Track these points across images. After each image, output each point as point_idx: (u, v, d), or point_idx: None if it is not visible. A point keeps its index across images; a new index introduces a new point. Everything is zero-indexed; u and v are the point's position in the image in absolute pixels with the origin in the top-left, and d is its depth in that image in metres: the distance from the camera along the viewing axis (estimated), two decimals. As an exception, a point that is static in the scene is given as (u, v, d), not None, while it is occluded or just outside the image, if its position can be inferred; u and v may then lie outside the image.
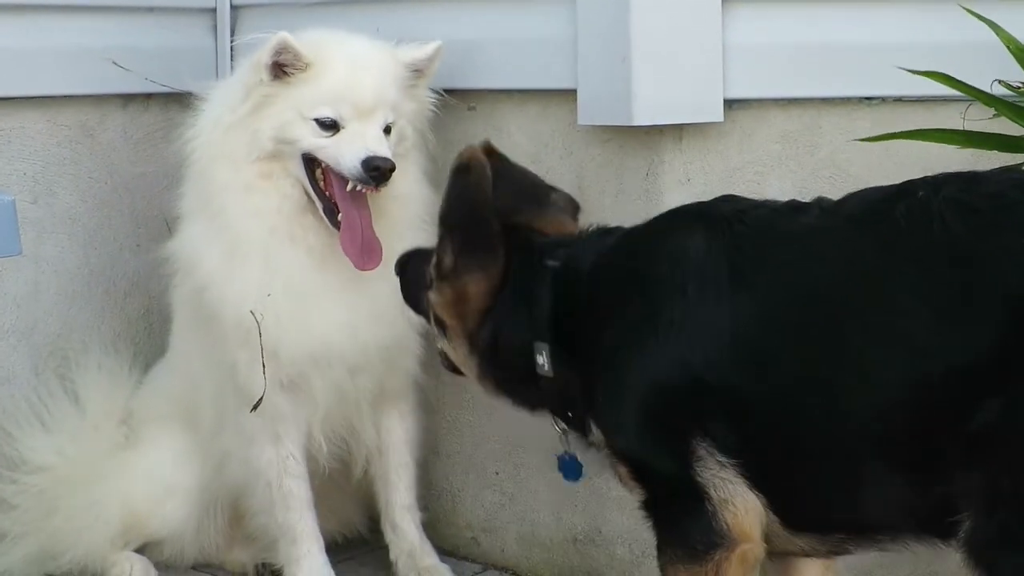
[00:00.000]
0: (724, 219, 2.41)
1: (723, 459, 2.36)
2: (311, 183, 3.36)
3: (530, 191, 2.81)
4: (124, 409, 3.82)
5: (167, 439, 3.69)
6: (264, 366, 3.32)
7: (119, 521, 3.65)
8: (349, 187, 3.29)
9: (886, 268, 2.23)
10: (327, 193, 3.34)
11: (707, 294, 2.35)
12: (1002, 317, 2.11)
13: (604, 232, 2.67)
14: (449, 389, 3.78)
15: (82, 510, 3.64)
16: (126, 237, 3.99)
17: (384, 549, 3.66)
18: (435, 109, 3.56)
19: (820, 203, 2.41)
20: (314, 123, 3.32)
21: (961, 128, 3.05)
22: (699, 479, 2.37)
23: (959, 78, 3.01)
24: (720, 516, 2.37)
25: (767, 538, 2.41)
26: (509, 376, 2.71)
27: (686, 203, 2.60)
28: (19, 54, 3.76)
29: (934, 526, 2.23)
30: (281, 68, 3.33)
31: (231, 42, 3.91)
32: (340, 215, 3.31)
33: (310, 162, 3.35)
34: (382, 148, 3.28)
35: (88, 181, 3.93)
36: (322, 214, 3.35)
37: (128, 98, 3.96)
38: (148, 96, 3.93)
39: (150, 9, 3.97)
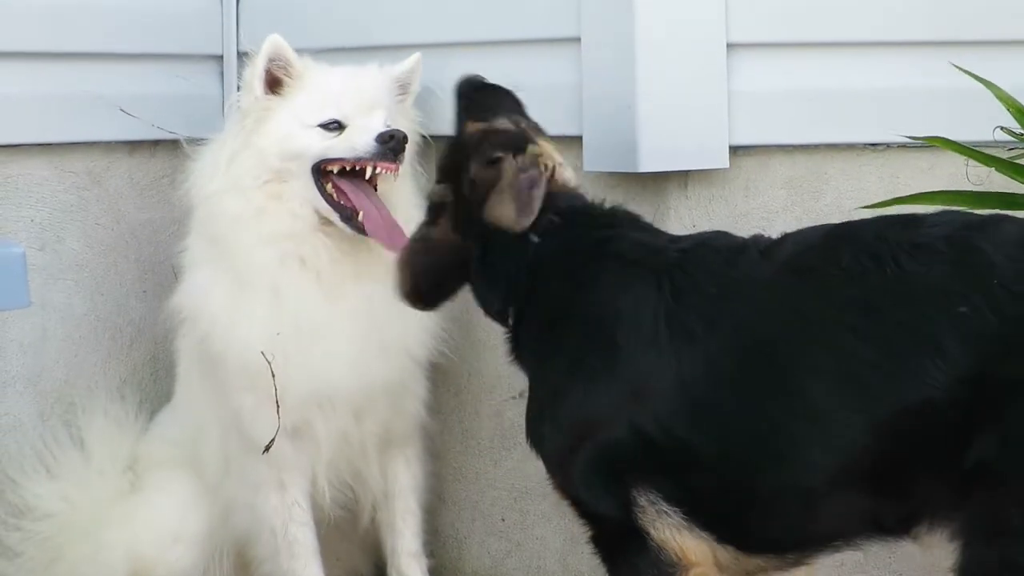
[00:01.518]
0: (664, 270, 2.43)
1: (666, 507, 2.38)
2: (324, 196, 3.38)
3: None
4: (130, 455, 3.81)
5: (172, 486, 3.68)
6: (278, 404, 3.32)
7: (124, 568, 3.64)
8: (367, 174, 3.33)
9: (833, 314, 2.26)
10: (341, 202, 3.36)
11: (650, 352, 2.37)
12: (963, 354, 2.14)
13: (585, 227, 2.65)
14: (455, 435, 3.79)
15: (87, 557, 3.64)
16: (132, 283, 3.99)
17: (390, 597, 3.65)
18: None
19: (756, 243, 2.44)
20: (319, 129, 3.38)
21: (968, 176, 3.07)
22: (640, 522, 2.39)
23: (962, 123, 3.04)
24: (665, 552, 2.39)
25: (722, 565, 2.43)
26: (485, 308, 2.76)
27: (630, 237, 2.60)
28: (26, 101, 3.77)
29: (890, 530, 2.31)
30: (275, 80, 3.38)
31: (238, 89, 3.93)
32: (360, 214, 3.33)
33: (320, 176, 3.37)
34: (384, 124, 3.33)
35: (95, 228, 3.94)
36: (340, 223, 3.37)
37: (135, 145, 3.97)
38: (155, 143, 3.94)
39: (157, 56, 3.98)
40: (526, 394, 2.64)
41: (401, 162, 3.34)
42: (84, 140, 3.90)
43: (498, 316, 2.69)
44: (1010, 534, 2.10)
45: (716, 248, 2.45)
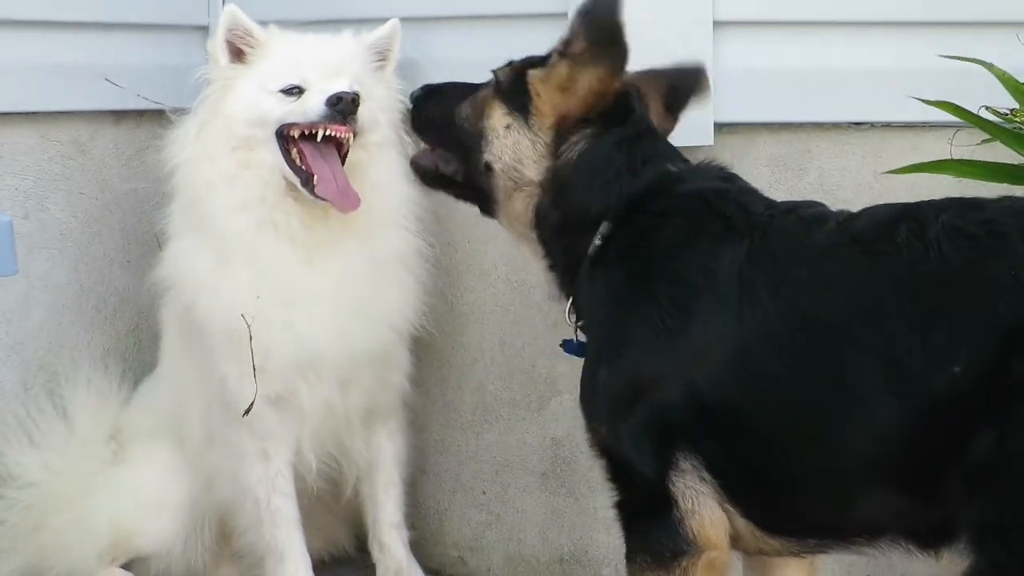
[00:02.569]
0: (750, 226, 2.43)
1: (705, 475, 2.38)
2: (287, 162, 3.39)
3: (680, 89, 2.83)
4: (113, 425, 3.82)
5: (156, 455, 3.70)
6: (255, 369, 3.33)
7: (107, 537, 3.66)
8: (319, 136, 3.33)
9: (883, 294, 2.25)
10: (302, 167, 3.37)
11: (724, 308, 2.36)
12: (991, 347, 2.13)
13: (711, 179, 2.63)
14: (437, 409, 3.82)
15: (70, 526, 3.65)
16: (116, 253, 4.00)
17: (371, 568, 3.68)
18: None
19: (838, 216, 2.43)
20: (280, 94, 3.39)
21: (952, 155, 3.09)
22: (672, 488, 2.40)
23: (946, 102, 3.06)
24: (686, 524, 2.40)
25: (740, 538, 2.44)
26: (553, 209, 2.65)
27: (735, 196, 2.57)
28: (11, 69, 3.76)
29: (917, 538, 2.27)
30: (238, 50, 3.41)
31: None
32: (315, 179, 3.34)
33: (284, 141, 3.39)
34: (346, 88, 3.32)
35: (79, 197, 3.94)
36: (301, 188, 3.38)
37: (120, 114, 3.98)
38: (140, 113, 3.94)
39: (143, 26, 3.99)
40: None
41: (353, 124, 3.34)
42: (69, 109, 3.90)
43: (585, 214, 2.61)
44: (1002, 538, 2.10)
45: (801, 216, 2.44)
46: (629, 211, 2.56)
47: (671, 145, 2.71)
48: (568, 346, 2.70)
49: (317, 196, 3.34)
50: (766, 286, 2.34)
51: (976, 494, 2.12)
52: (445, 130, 2.81)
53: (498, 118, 2.70)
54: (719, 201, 2.51)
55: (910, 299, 2.22)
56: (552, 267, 2.67)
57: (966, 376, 2.14)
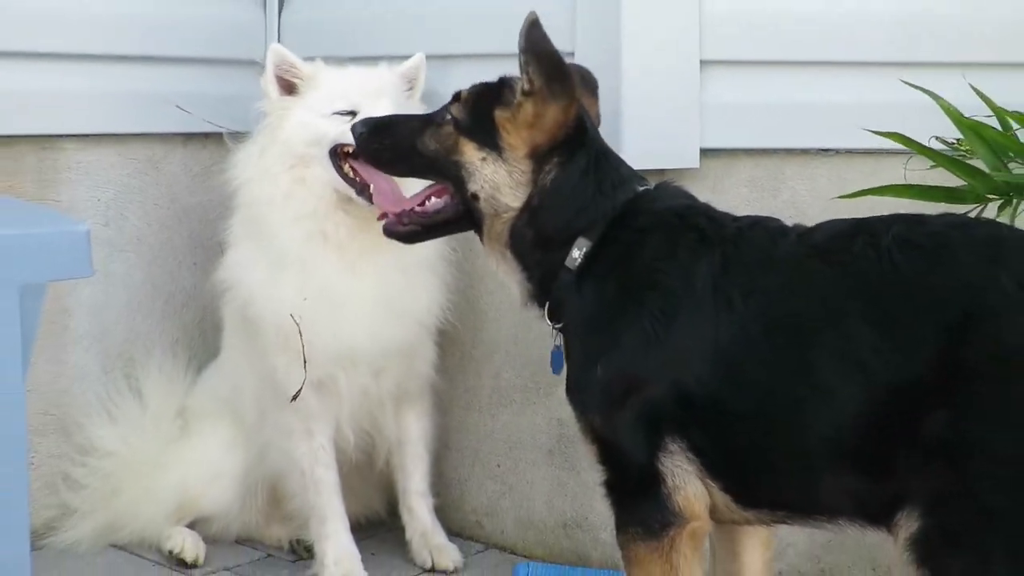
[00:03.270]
0: (723, 242, 2.37)
1: (690, 456, 2.34)
2: (341, 175, 3.34)
3: (588, 80, 2.75)
4: (180, 405, 3.81)
5: (216, 431, 3.68)
6: (305, 360, 3.30)
7: (174, 500, 3.64)
8: None
9: (843, 297, 2.21)
10: (356, 179, 3.32)
11: (703, 312, 2.31)
12: (936, 339, 2.08)
13: (675, 198, 2.56)
14: (459, 393, 3.78)
15: (142, 490, 3.65)
16: (184, 256, 3.99)
17: (401, 530, 3.65)
18: None
19: (796, 229, 2.39)
20: (334, 116, 3.34)
21: (907, 179, 3.04)
22: (661, 468, 2.35)
23: (904, 134, 3.01)
24: (673, 499, 2.35)
25: (717, 509, 2.40)
26: (538, 233, 2.55)
27: (703, 214, 2.51)
28: (96, 97, 3.76)
29: (871, 516, 2.22)
30: (288, 83, 3.39)
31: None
32: (371, 188, 3.27)
33: (337, 159, 3.34)
34: (392, 111, 3.29)
35: (153, 207, 3.93)
36: (356, 197, 3.31)
37: (189, 137, 3.96)
38: (206, 135, 3.92)
39: (208, 60, 3.96)
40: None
41: None
42: (145, 132, 3.88)
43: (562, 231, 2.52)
44: (952, 504, 2.04)
45: (766, 228, 2.40)
46: (611, 229, 2.49)
47: (628, 166, 2.63)
48: (557, 363, 2.62)
49: (374, 204, 3.27)
50: (739, 292, 2.30)
51: (929, 466, 2.07)
52: (410, 161, 2.70)
53: (471, 153, 2.58)
54: (692, 217, 2.47)
55: (866, 302, 2.18)
56: (529, 279, 2.59)
57: (918, 366, 2.10)
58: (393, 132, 2.74)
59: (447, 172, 2.62)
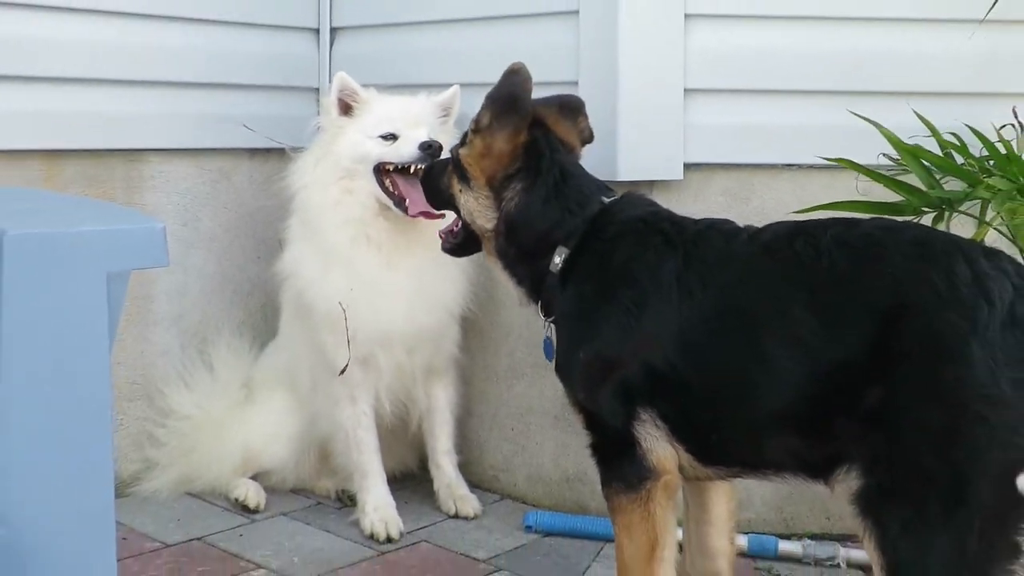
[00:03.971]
0: (683, 241, 2.38)
1: (659, 423, 2.34)
2: (382, 189, 3.36)
3: (569, 106, 2.71)
4: (245, 376, 3.81)
5: (275, 399, 3.68)
6: (349, 342, 3.32)
7: (240, 456, 3.65)
8: (412, 171, 3.30)
9: (787, 289, 2.20)
10: (395, 193, 3.34)
11: (669, 302, 2.31)
12: (871, 325, 2.07)
13: (640, 207, 2.55)
14: (479, 368, 3.77)
15: (214, 448, 3.65)
16: (250, 252, 3.99)
17: (429, 482, 3.66)
18: None
19: (747, 230, 2.38)
20: (378, 139, 3.35)
21: (859, 189, 3.04)
22: (635, 433, 2.35)
23: (857, 150, 3.01)
24: (647, 459, 2.36)
25: (683, 467, 2.40)
26: (519, 248, 2.57)
27: (667, 219, 2.50)
28: (176, 117, 3.77)
29: (810, 472, 2.22)
30: (346, 106, 3.38)
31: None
32: (407, 201, 3.31)
33: (379, 174, 3.35)
34: (427, 137, 3.32)
35: (223, 211, 3.94)
36: (394, 208, 3.34)
37: (254, 152, 3.96)
38: (268, 150, 3.93)
39: (271, 87, 3.97)
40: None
41: None
42: (217, 147, 3.89)
43: (540, 244, 2.53)
44: (889, 465, 2.03)
45: (720, 230, 2.39)
46: (584, 239, 2.49)
47: (593, 179, 2.62)
48: (549, 351, 2.62)
49: (409, 215, 3.31)
50: (698, 285, 2.30)
51: (868, 434, 2.06)
52: (440, 196, 2.78)
53: (455, 186, 2.66)
54: (656, 222, 2.46)
55: (807, 293, 2.16)
56: (519, 283, 2.61)
57: (854, 349, 2.08)
58: (431, 174, 2.81)
59: (451, 204, 2.71)
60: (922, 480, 1.98)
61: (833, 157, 3.00)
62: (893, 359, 2.03)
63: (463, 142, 2.64)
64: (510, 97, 2.52)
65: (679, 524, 2.62)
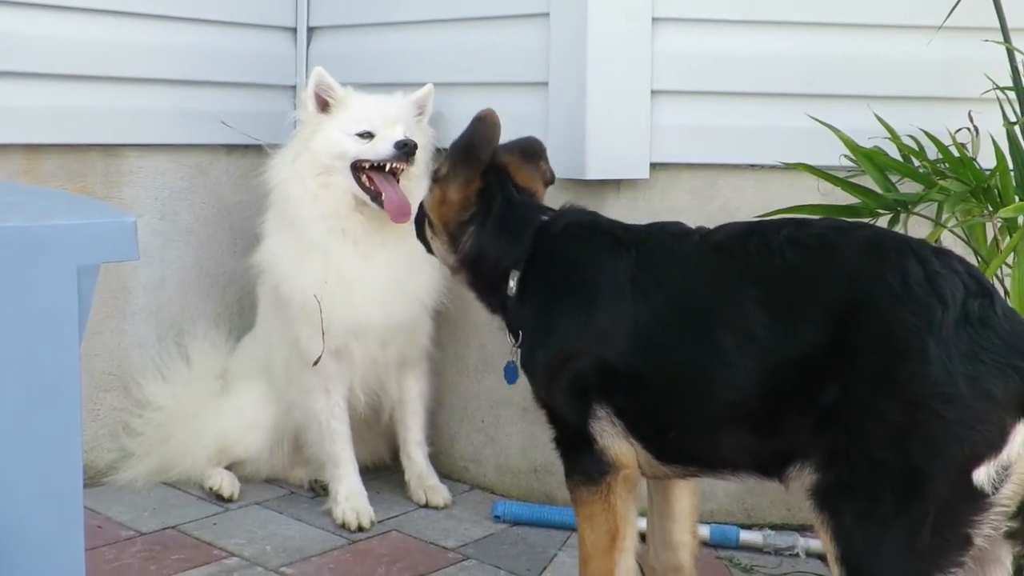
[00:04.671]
0: (634, 244, 2.38)
1: (615, 420, 2.34)
2: (359, 185, 3.36)
3: (529, 152, 2.72)
4: (221, 367, 3.80)
5: (251, 390, 3.67)
6: (323, 334, 3.32)
7: (215, 446, 3.64)
8: (387, 168, 3.32)
9: (740, 287, 2.19)
10: (372, 188, 3.34)
11: (622, 301, 2.31)
12: (825, 322, 2.07)
13: (579, 215, 2.58)
14: (451, 360, 3.78)
15: (189, 438, 3.64)
16: (226, 245, 3.98)
17: (401, 473, 3.66)
18: (437, 146, 3.56)
19: (699, 231, 2.37)
20: (356, 137, 3.36)
21: (820, 189, 3.07)
22: (591, 430, 2.36)
23: (820, 151, 3.03)
24: (606, 454, 2.36)
25: (641, 465, 2.40)
26: (482, 282, 2.62)
27: (612, 224, 2.53)
28: (154, 114, 3.75)
29: (765, 470, 2.22)
30: (323, 102, 3.38)
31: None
32: (383, 196, 3.32)
33: (356, 171, 3.36)
34: (403, 136, 3.33)
35: (201, 205, 3.93)
36: (370, 203, 3.35)
37: (231, 148, 3.95)
38: (246, 147, 3.92)
39: (248, 85, 3.95)
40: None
41: (412, 163, 3.35)
42: (194, 143, 3.87)
43: (496, 275, 2.56)
44: (846, 460, 2.04)
45: (671, 232, 2.39)
46: (529, 264, 2.52)
47: (535, 203, 2.63)
48: (510, 374, 2.63)
49: (387, 213, 3.32)
50: (651, 284, 2.30)
51: (824, 429, 2.05)
52: (423, 240, 2.80)
53: (427, 231, 2.73)
54: (596, 225, 2.51)
55: (760, 291, 2.16)
56: (493, 312, 2.64)
57: (807, 346, 2.08)
58: (419, 219, 2.81)
59: (429, 247, 2.76)
60: (877, 474, 1.99)
61: (792, 162, 3.02)
62: (848, 356, 2.03)
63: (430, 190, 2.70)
64: (465, 148, 2.56)
65: (643, 516, 2.64)
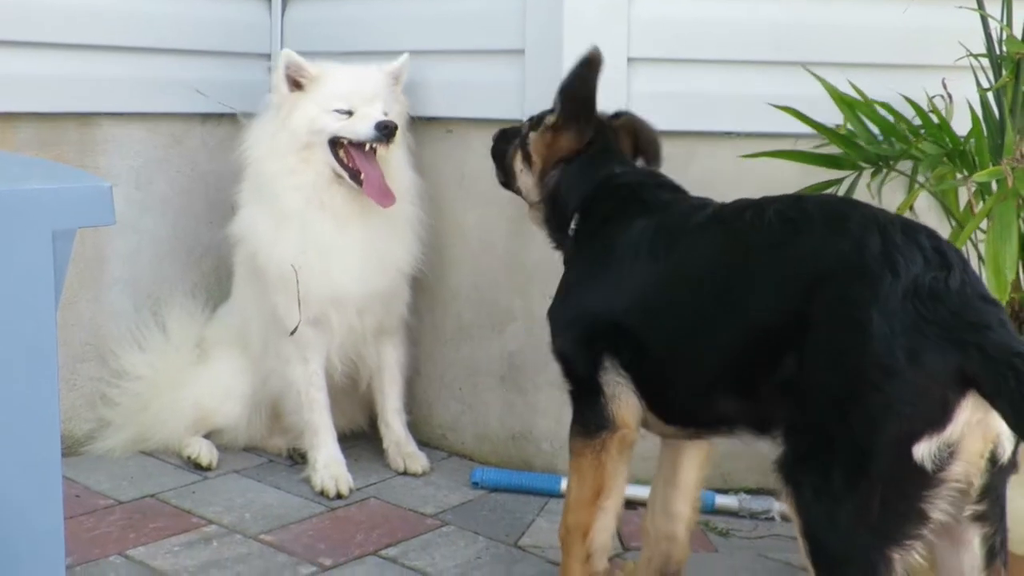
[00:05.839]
0: (659, 208, 2.46)
1: (621, 371, 2.38)
2: (337, 160, 3.34)
3: (644, 137, 2.81)
4: (198, 336, 3.77)
5: (228, 359, 3.64)
6: (300, 303, 3.31)
7: (192, 416, 3.61)
8: (367, 148, 3.30)
9: (730, 256, 2.23)
10: (350, 165, 3.33)
11: (636, 261, 2.37)
12: (800, 293, 2.07)
13: (637, 174, 2.65)
14: (428, 329, 3.76)
15: (166, 407, 3.61)
16: (202, 215, 3.93)
17: (379, 440, 3.64)
18: (412, 114, 3.57)
19: (715, 205, 2.41)
20: (334, 113, 3.33)
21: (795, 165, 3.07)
22: (600, 380, 2.40)
23: (795, 120, 3.01)
24: (610, 408, 2.40)
25: (649, 424, 2.44)
26: (553, 216, 2.69)
27: (657, 187, 2.59)
28: (128, 82, 3.69)
29: (757, 428, 2.23)
30: (296, 82, 3.35)
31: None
32: (362, 175, 3.30)
33: (334, 145, 3.34)
34: (385, 118, 3.31)
35: (176, 175, 3.88)
36: (348, 180, 3.34)
37: (206, 116, 3.89)
38: (220, 115, 3.86)
39: (223, 53, 3.89)
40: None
41: (392, 141, 3.32)
42: (170, 112, 3.82)
43: (565, 216, 2.65)
44: (802, 431, 2.04)
45: (691, 203, 2.47)
46: (585, 205, 2.61)
47: (621, 155, 2.70)
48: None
49: (366, 193, 3.31)
50: (663, 248, 2.35)
51: (785, 400, 2.06)
52: (503, 167, 2.90)
53: (517, 164, 2.81)
54: (640, 191, 2.55)
55: (746, 259, 2.19)
56: (558, 247, 2.72)
57: (779, 316, 2.09)
58: (504, 140, 2.92)
59: (511, 176, 2.86)
60: (827, 448, 1.98)
61: (780, 106, 2.99)
62: (806, 328, 2.04)
63: (536, 125, 2.75)
64: (583, 99, 2.65)
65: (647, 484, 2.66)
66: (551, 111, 2.71)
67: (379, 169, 3.34)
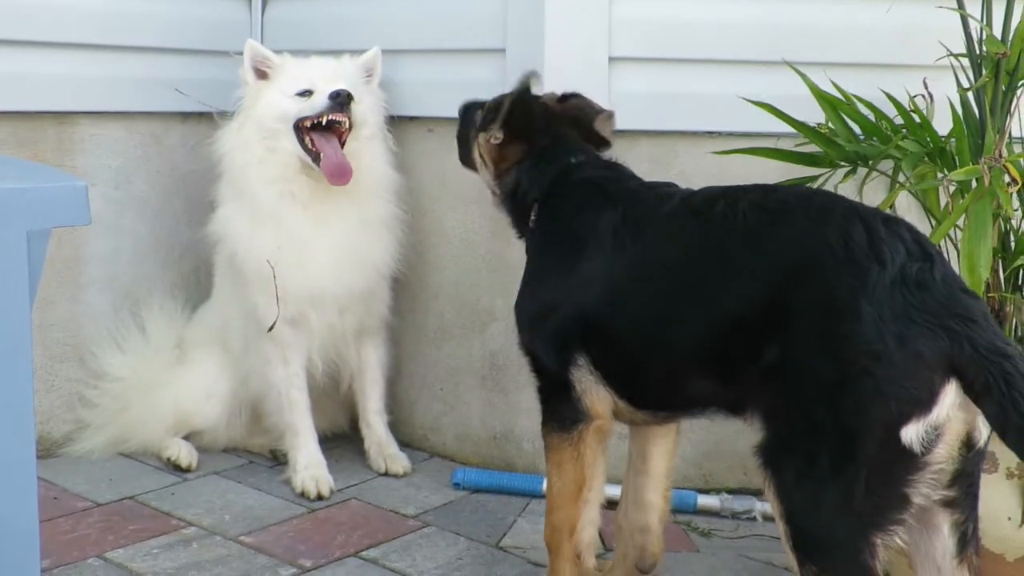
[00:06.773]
0: (623, 199, 2.43)
1: (591, 368, 2.38)
2: (302, 147, 3.33)
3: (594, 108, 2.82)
4: (177, 337, 3.74)
5: (208, 359, 3.62)
6: (278, 299, 3.29)
7: (171, 417, 3.59)
8: (324, 122, 3.29)
9: (704, 246, 2.23)
10: (313, 149, 3.32)
11: (601, 252, 2.36)
12: (773, 283, 2.09)
13: (593, 166, 2.63)
14: (409, 328, 3.74)
15: (145, 409, 3.59)
16: (182, 214, 3.90)
17: (360, 441, 3.63)
18: (393, 114, 3.57)
19: (680, 194, 2.41)
20: (296, 96, 3.34)
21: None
22: (571, 377, 2.40)
23: (776, 119, 3.00)
24: (582, 402, 2.40)
25: (619, 412, 2.44)
26: (515, 209, 2.68)
27: (615, 178, 2.58)
28: (107, 81, 3.67)
29: (729, 409, 2.25)
30: (261, 72, 3.37)
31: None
32: (321, 155, 3.30)
33: (299, 132, 3.33)
34: (339, 88, 3.30)
35: (155, 174, 3.85)
36: (311, 164, 3.33)
37: (186, 115, 3.87)
38: (200, 115, 3.83)
39: (203, 52, 3.86)
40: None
41: (348, 113, 3.31)
42: (149, 110, 3.79)
43: (525, 207, 2.65)
44: (785, 417, 2.05)
45: (657, 192, 2.44)
46: (545, 196, 2.59)
47: (573, 144, 2.67)
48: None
49: (322, 170, 3.30)
50: (630, 239, 2.34)
51: (766, 387, 2.07)
52: (467, 159, 2.86)
53: (476, 157, 2.78)
54: (603, 182, 2.53)
55: (720, 250, 2.20)
56: (519, 236, 2.71)
57: (757, 304, 2.10)
58: (464, 133, 2.89)
59: (474, 168, 2.83)
60: (813, 432, 1.99)
61: (756, 101, 2.99)
62: (790, 315, 2.05)
63: (484, 126, 2.72)
64: (526, 122, 2.65)
65: (618, 483, 2.66)
66: (494, 122, 2.69)
67: (338, 147, 3.32)
